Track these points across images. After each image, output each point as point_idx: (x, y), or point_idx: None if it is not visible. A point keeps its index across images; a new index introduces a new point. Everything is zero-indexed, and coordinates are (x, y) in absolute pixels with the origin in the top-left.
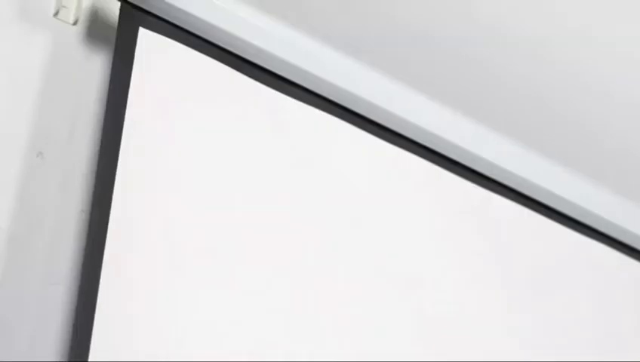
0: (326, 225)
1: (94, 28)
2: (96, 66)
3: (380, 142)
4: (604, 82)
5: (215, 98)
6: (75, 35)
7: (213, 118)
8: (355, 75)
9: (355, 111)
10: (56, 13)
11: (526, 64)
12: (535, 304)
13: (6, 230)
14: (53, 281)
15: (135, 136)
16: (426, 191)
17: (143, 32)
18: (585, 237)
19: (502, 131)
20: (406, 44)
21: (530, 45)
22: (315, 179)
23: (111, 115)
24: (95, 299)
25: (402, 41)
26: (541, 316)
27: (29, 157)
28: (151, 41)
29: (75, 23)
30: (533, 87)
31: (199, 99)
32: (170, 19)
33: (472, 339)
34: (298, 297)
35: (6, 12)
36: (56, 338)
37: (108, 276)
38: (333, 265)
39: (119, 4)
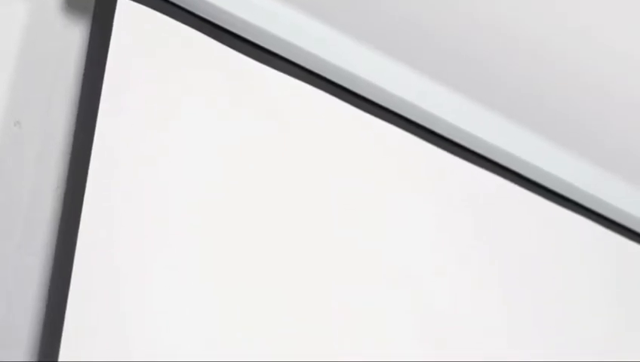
0: (312, 204)
1: None
2: (75, 36)
3: (370, 117)
4: (604, 82)
5: (195, 70)
6: (54, 3)
7: (193, 89)
8: (345, 49)
9: (344, 86)
10: None
11: (526, 62)
12: (530, 287)
13: None
14: (30, 252)
15: (112, 107)
16: (416, 168)
17: (122, 1)
18: (580, 216)
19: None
20: (405, 29)
21: (530, 45)
22: (302, 158)
23: (88, 86)
24: (70, 273)
25: (401, 24)
26: (537, 300)
27: (6, 127)
28: (130, 10)
29: None
30: (533, 86)
31: (179, 71)
32: None
33: (466, 326)
34: (288, 288)
35: None
36: (32, 312)
37: (82, 252)
38: (322, 250)
39: None
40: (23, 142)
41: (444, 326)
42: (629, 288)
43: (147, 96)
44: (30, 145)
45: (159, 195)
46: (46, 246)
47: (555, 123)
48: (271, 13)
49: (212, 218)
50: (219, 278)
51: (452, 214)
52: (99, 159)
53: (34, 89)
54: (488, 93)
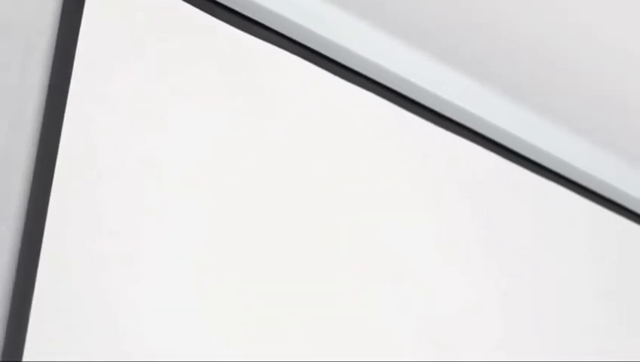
0: (304, 185)
1: None
2: (49, 2)
3: (364, 92)
4: (604, 81)
5: (172, 37)
6: None
7: (169, 58)
8: (339, 23)
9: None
10: None
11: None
12: (529, 272)
13: None
14: (2, 217)
15: (85, 75)
16: (407, 142)
17: None
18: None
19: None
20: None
21: (531, 43)
22: (296, 143)
23: (61, 54)
24: (40, 240)
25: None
26: (537, 287)
27: None
28: None
29: None
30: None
31: (155, 37)
32: None
33: (463, 314)
34: (283, 281)
35: None
36: (2, 276)
37: (53, 224)
38: (317, 240)
39: None
40: None
41: (440, 315)
42: (629, 268)
43: (121, 64)
44: (4, 114)
45: (142, 178)
46: (17, 219)
47: (555, 104)
48: None
49: (203, 203)
50: (212, 272)
51: (448, 195)
52: (71, 131)
53: (7, 58)
54: (483, 72)
